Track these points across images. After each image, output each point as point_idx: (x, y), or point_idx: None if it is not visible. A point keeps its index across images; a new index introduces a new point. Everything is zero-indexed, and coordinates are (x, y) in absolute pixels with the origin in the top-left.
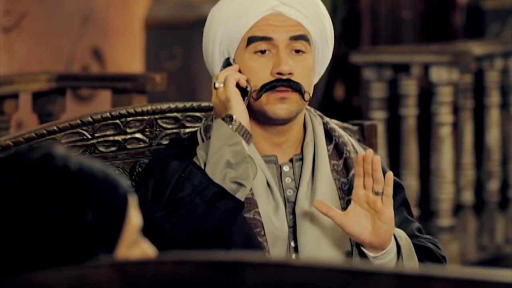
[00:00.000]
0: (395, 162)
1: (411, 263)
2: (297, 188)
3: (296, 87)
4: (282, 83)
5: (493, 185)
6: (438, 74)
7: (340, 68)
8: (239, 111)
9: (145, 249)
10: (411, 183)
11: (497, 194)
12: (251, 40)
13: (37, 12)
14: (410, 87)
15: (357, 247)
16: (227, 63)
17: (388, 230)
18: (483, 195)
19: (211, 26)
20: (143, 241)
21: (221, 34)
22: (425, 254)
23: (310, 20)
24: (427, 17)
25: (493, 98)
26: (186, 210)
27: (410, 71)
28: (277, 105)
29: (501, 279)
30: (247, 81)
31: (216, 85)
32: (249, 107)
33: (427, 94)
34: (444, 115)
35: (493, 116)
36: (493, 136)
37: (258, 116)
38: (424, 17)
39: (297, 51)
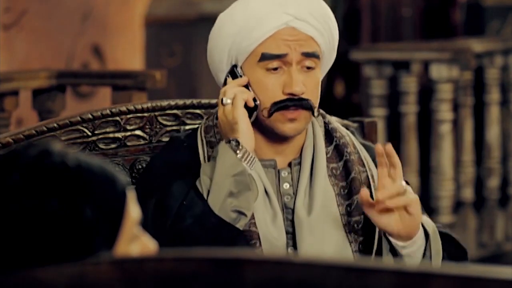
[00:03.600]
0: None
1: (437, 250)
2: (295, 194)
3: (307, 106)
4: (295, 103)
5: (493, 182)
6: (438, 71)
7: (340, 65)
8: (245, 135)
9: (145, 243)
10: (411, 180)
11: (497, 191)
12: (264, 56)
13: (37, 9)
14: (410, 84)
15: (385, 237)
16: (233, 71)
17: (414, 221)
18: (483, 192)
19: (220, 34)
20: (143, 235)
21: (230, 44)
22: (448, 241)
23: (321, 33)
24: (427, 14)
25: (493, 95)
26: (186, 241)
27: (410, 68)
28: (287, 124)
29: (501, 276)
30: (254, 98)
31: (224, 101)
32: (255, 120)
33: (427, 91)
34: (444, 112)
35: (493, 113)
36: (493, 133)
37: (264, 129)
38: (424, 14)
39: (308, 68)
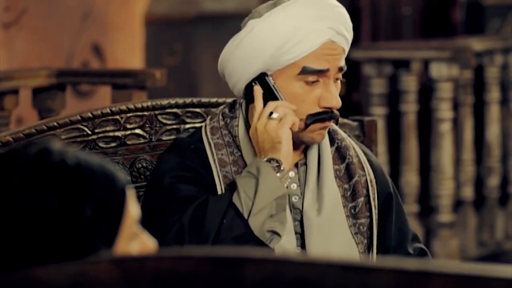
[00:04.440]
0: (395, 158)
1: None
2: (303, 194)
3: (337, 117)
4: (330, 116)
5: (493, 181)
6: (438, 70)
7: None
8: (287, 157)
9: (144, 241)
10: (411, 179)
11: (497, 190)
12: (306, 70)
13: (37, 8)
14: (410, 83)
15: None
16: (263, 80)
17: None
18: (483, 191)
19: (259, 44)
20: (143, 233)
21: (269, 55)
22: None
23: (348, 43)
24: (427, 13)
25: (493, 94)
26: None
27: (410, 67)
28: (316, 132)
29: (501, 274)
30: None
31: (274, 115)
32: None
33: (427, 90)
34: (444, 111)
35: (493, 112)
36: (493, 132)
37: None
38: (424, 13)
39: (337, 79)
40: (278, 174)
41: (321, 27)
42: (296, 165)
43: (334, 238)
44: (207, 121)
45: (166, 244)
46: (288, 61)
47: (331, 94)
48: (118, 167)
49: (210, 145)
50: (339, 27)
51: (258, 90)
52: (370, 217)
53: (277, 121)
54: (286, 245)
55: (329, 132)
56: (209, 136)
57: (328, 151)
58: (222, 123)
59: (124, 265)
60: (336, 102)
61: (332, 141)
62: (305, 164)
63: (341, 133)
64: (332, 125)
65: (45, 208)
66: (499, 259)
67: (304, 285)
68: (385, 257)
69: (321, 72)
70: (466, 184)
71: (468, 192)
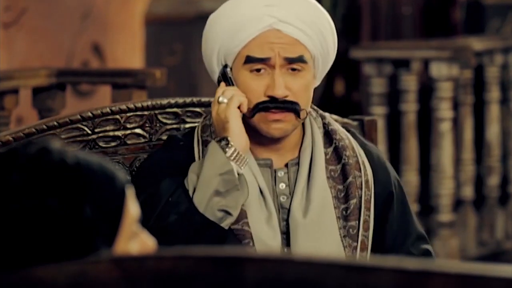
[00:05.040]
0: (395, 158)
1: None
2: (291, 194)
3: (290, 108)
4: (276, 105)
5: (493, 181)
6: (438, 70)
7: (340, 64)
8: (236, 134)
9: (144, 241)
10: (411, 179)
11: (497, 190)
12: (248, 59)
13: (37, 8)
14: (410, 82)
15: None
16: (224, 72)
17: None
18: (483, 191)
19: (209, 35)
20: (142, 233)
21: (218, 45)
22: None
23: (309, 36)
24: (427, 12)
25: (493, 94)
26: (170, 238)
27: (410, 66)
28: (271, 125)
29: (501, 274)
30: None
31: (220, 99)
32: (244, 120)
33: (427, 89)
34: (444, 111)
35: (493, 111)
36: (493, 131)
37: (253, 129)
38: (424, 12)
39: (294, 69)
40: (227, 151)
41: (261, 14)
42: (287, 165)
43: (321, 240)
44: (201, 119)
45: None
46: (234, 49)
47: (274, 83)
48: (118, 167)
49: (198, 142)
50: (284, 15)
51: (221, 85)
52: (359, 219)
53: (226, 104)
54: (269, 241)
55: (327, 133)
56: (200, 133)
57: (321, 152)
58: (212, 120)
59: (124, 265)
60: (280, 91)
61: (330, 141)
62: (297, 164)
63: (341, 133)
64: (332, 123)
65: (45, 208)
66: (499, 259)
67: (305, 285)
68: (385, 256)
69: (262, 61)
70: (466, 184)
71: (468, 192)
